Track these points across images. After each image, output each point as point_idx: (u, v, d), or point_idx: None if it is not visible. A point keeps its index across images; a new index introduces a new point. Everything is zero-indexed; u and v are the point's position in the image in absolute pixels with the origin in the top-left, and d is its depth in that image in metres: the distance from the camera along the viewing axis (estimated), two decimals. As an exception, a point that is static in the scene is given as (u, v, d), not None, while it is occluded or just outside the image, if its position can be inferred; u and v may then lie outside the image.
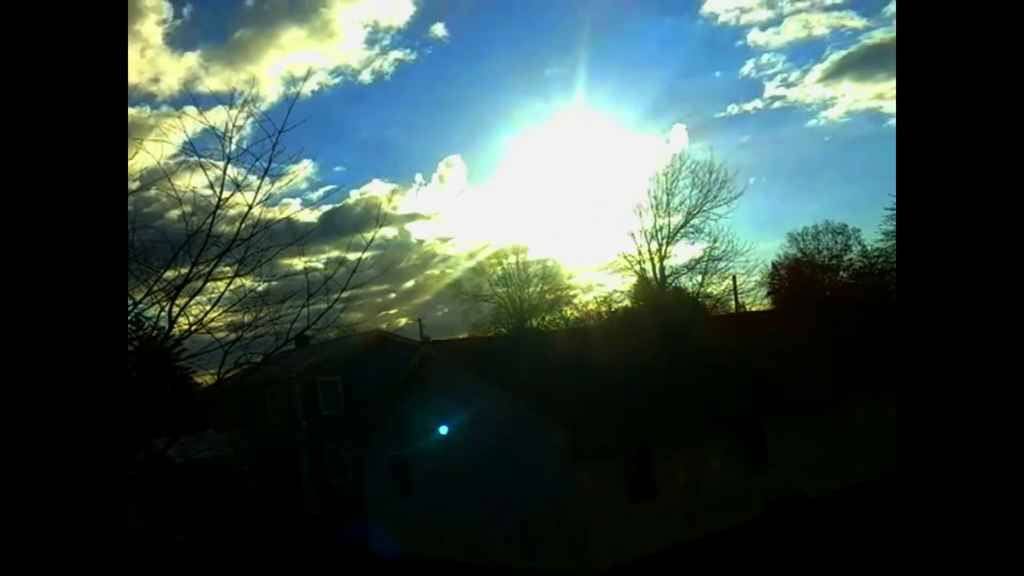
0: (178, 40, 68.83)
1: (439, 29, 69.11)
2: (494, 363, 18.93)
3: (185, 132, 9.19)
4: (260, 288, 10.16)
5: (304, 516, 26.90)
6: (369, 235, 10.19)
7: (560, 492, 15.69)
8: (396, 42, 73.12)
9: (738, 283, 39.14)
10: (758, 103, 68.03)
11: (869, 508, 16.36)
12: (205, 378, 12.20)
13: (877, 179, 69.04)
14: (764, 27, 71.95)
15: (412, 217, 68.65)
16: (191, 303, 9.78)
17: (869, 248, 46.24)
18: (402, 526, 19.76)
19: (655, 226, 41.35)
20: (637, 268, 42.35)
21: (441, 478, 18.54)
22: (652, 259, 41.58)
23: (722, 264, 40.54)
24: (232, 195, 9.53)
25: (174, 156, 9.95)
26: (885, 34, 61.16)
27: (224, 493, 26.84)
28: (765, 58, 70.69)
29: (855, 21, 66.98)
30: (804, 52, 70.72)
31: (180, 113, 9.14)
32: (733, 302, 39.17)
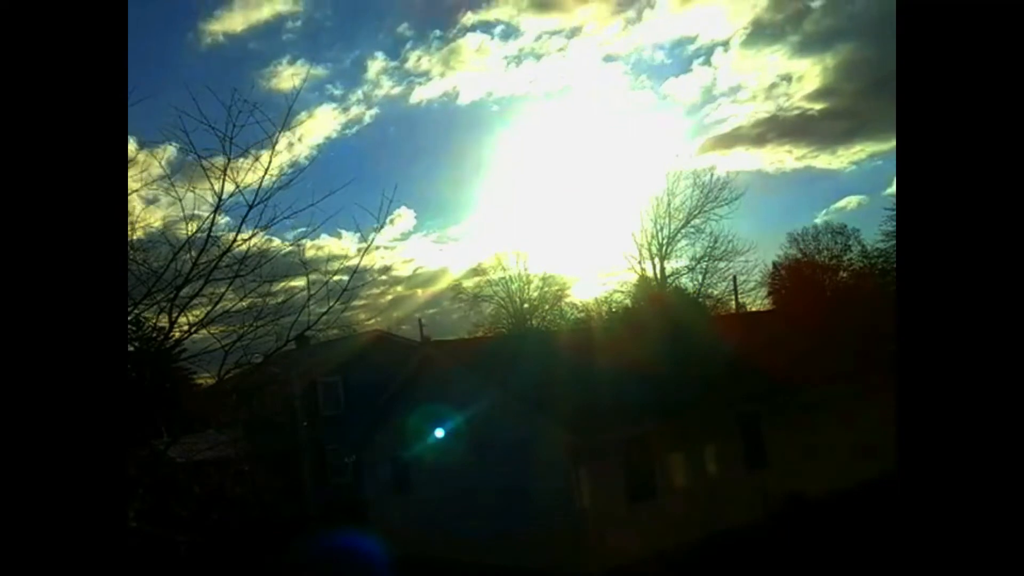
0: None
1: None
2: (494, 363, 18.94)
3: (186, 132, 9.18)
4: (259, 289, 10.18)
5: (304, 516, 26.89)
6: (366, 245, 10.32)
7: (560, 492, 15.69)
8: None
9: (738, 283, 39.17)
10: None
11: (869, 509, 16.34)
12: (206, 378, 12.22)
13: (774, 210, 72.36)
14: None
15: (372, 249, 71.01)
16: (191, 304, 9.80)
17: (869, 248, 46.30)
18: (402, 526, 19.75)
19: (656, 226, 41.42)
20: (638, 268, 42.42)
21: (441, 478, 18.54)
22: (652, 259, 41.64)
23: (722, 264, 40.62)
24: (232, 194, 9.55)
25: (175, 154, 9.96)
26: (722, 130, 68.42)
27: (224, 493, 26.79)
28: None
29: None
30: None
31: (181, 112, 9.13)
32: (733, 302, 39.21)
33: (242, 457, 27.91)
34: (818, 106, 65.17)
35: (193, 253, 9.49)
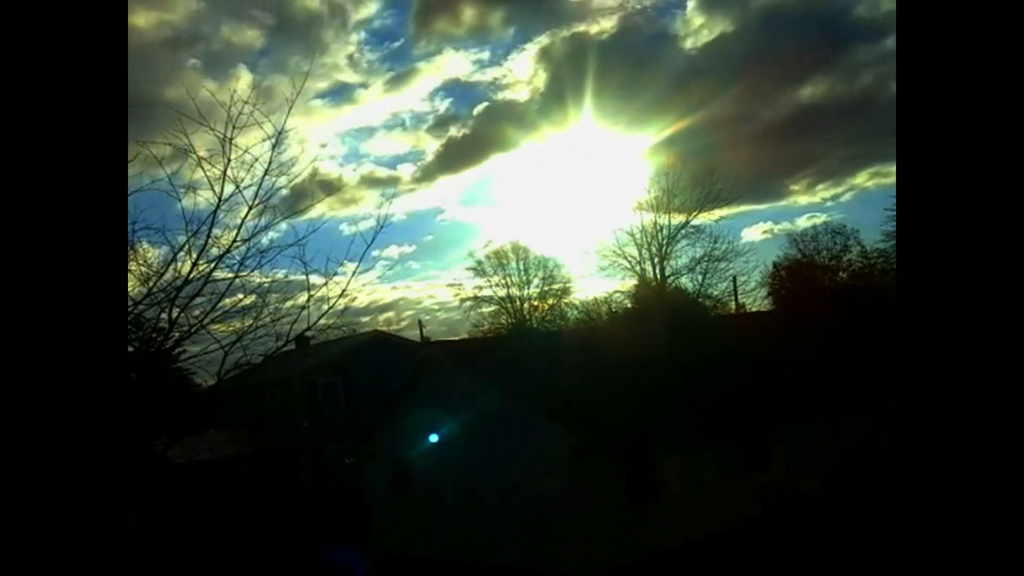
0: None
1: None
2: (495, 364, 18.94)
3: (185, 134, 9.17)
4: (259, 288, 10.18)
5: (303, 517, 26.86)
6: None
7: (560, 492, 15.69)
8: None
9: (738, 284, 39.15)
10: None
11: (869, 508, 16.34)
12: (205, 379, 12.21)
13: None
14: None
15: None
16: (191, 304, 9.78)
17: (869, 249, 46.21)
18: (403, 526, 19.75)
19: (656, 226, 41.43)
20: (637, 269, 42.42)
21: (442, 478, 18.53)
22: (652, 260, 41.64)
23: (723, 265, 40.63)
24: (232, 195, 9.53)
25: (175, 155, 9.94)
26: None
27: (224, 494, 26.79)
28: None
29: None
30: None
31: (181, 113, 9.12)
32: (733, 303, 39.18)
33: (242, 457, 27.98)
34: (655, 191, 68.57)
35: (193, 253, 9.48)
